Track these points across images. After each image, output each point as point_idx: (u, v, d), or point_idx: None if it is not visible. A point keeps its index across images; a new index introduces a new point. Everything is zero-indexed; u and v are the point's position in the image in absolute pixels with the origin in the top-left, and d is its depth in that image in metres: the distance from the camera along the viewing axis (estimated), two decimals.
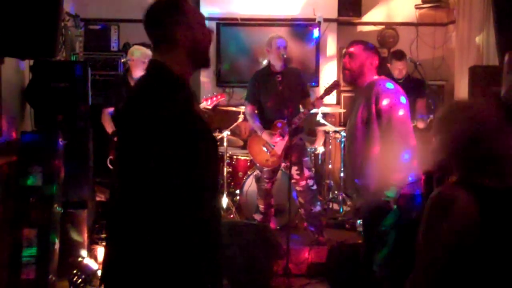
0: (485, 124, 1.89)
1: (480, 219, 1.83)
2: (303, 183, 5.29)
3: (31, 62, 4.84)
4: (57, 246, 4.53)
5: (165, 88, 1.96)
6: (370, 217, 3.60)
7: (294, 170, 5.26)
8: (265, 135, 5.24)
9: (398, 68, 5.86)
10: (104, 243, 5.01)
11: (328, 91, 5.20)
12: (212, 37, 2.12)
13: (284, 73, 5.20)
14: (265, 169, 5.35)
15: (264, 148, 5.30)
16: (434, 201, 1.92)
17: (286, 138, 5.04)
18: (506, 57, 4.01)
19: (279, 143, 5.16)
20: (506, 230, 1.87)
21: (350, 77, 3.69)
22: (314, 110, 5.41)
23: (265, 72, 5.38)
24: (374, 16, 7.48)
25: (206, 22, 2.23)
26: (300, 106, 5.33)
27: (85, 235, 4.83)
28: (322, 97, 5.18)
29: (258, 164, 5.40)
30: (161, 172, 1.87)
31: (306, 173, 5.29)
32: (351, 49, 3.68)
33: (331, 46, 7.22)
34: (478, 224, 1.83)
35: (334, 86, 5.23)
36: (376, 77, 3.65)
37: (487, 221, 1.84)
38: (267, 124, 5.31)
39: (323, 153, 6.59)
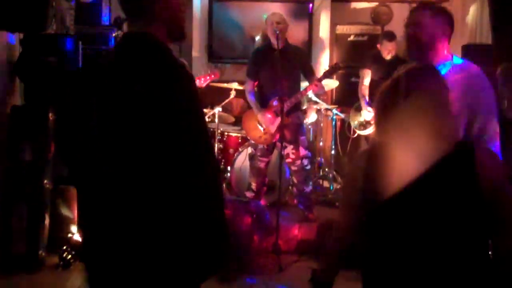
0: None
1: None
2: (298, 162, 5.29)
3: (21, 35, 4.78)
4: (47, 221, 4.54)
5: (162, 55, 1.87)
6: None
7: (290, 148, 5.26)
8: (260, 116, 5.23)
9: (388, 49, 5.88)
10: None
11: (327, 74, 5.18)
12: (186, 8, 2.04)
13: (284, 51, 5.16)
14: (259, 146, 5.35)
15: (259, 125, 5.28)
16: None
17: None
18: (499, 70, 3.94)
19: (274, 121, 5.14)
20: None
21: (418, 52, 2.82)
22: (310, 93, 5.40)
23: (265, 49, 5.34)
24: None
25: None
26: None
27: (75, 211, 4.83)
28: (320, 80, 5.16)
29: (251, 140, 5.39)
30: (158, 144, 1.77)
31: (302, 152, 5.29)
32: (417, 17, 2.83)
33: (324, 22, 7.17)
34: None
35: (335, 68, 5.20)
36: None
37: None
38: (264, 101, 5.29)
39: (315, 131, 6.59)
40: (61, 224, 4.73)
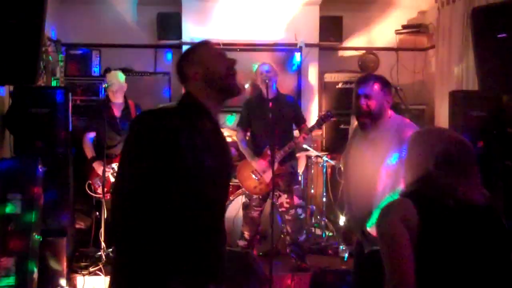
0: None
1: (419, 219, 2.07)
2: (292, 211, 5.26)
3: (11, 87, 4.79)
4: (35, 275, 4.44)
5: (183, 105, 2.41)
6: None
7: (284, 198, 5.24)
8: (254, 163, 5.22)
9: None
10: (83, 272, 4.94)
11: (321, 123, 5.22)
12: (234, 63, 2.44)
13: (276, 100, 5.20)
14: (254, 196, 5.32)
15: (253, 175, 5.27)
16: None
17: (276, 165, 5.01)
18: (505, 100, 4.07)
19: (268, 171, 5.12)
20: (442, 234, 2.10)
21: (371, 120, 3.31)
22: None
23: (257, 99, 5.37)
24: (355, 41, 7.56)
25: (188, 47, 2.54)
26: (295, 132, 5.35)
27: (64, 264, 4.75)
28: (313, 129, 5.25)
29: (246, 192, 5.36)
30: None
31: (296, 201, 5.27)
32: (368, 90, 3.31)
33: (312, 71, 7.26)
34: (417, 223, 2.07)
35: (327, 117, 5.23)
36: (392, 115, 3.41)
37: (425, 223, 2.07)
38: (257, 150, 5.29)
39: (306, 178, 6.58)
40: (49, 277, 4.64)
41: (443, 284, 2.07)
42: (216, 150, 2.38)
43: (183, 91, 2.45)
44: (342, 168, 6.31)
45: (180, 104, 2.42)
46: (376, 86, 3.30)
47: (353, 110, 3.43)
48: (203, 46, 2.48)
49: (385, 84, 3.35)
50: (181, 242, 2.24)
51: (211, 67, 2.40)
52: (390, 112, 3.37)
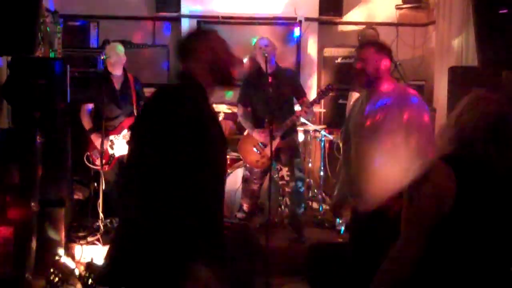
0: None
1: (456, 188, 2.03)
2: (292, 184, 5.29)
3: (9, 58, 4.77)
4: (34, 244, 4.48)
5: (185, 86, 2.41)
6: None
7: (285, 171, 5.26)
8: (255, 134, 5.23)
9: None
10: (81, 242, 4.99)
11: (322, 96, 5.21)
12: (240, 64, 2.62)
13: (275, 74, 5.19)
14: (255, 170, 5.34)
15: (255, 149, 5.28)
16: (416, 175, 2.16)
17: (277, 139, 5.02)
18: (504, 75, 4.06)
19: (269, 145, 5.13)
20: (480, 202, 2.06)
21: (367, 81, 3.38)
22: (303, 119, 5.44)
23: (256, 73, 5.36)
24: (355, 15, 7.50)
25: (187, 20, 2.53)
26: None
27: (63, 234, 4.79)
28: (315, 102, 5.22)
29: (248, 165, 5.38)
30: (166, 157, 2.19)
31: (297, 174, 5.29)
32: (362, 53, 3.40)
33: (312, 45, 7.23)
34: (453, 192, 2.03)
35: (328, 90, 5.22)
36: (395, 84, 3.43)
37: (462, 191, 2.03)
38: (258, 125, 5.30)
39: (303, 152, 6.59)
40: (48, 247, 4.68)
41: (475, 249, 2.08)
42: (218, 129, 2.48)
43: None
44: (340, 143, 6.35)
45: (184, 84, 2.44)
46: (371, 49, 3.38)
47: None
48: (215, 35, 2.54)
49: (380, 47, 3.41)
50: (204, 219, 2.27)
51: (220, 56, 2.47)
52: (392, 80, 3.40)
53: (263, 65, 5.13)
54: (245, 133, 5.60)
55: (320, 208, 6.31)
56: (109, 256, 2.36)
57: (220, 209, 2.50)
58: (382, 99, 3.31)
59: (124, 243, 2.29)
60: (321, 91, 5.24)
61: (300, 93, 5.37)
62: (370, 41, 3.66)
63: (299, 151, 5.51)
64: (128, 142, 4.89)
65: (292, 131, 5.34)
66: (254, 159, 5.29)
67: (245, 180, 5.45)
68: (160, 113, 2.26)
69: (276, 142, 5.06)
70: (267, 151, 5.17)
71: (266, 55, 5.05)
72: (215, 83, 2.48)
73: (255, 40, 5.44)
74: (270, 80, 5.07)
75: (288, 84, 5.29)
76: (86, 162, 5.43)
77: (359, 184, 3.33)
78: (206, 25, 6.93)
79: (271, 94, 4.97)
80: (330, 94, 5.49)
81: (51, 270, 4.49)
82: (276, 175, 5.42)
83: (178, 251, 2.18)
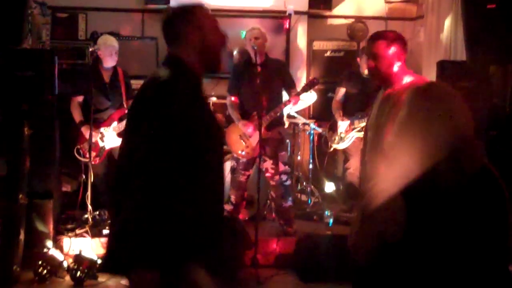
0: None
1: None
2: (277, 177, 5.28)
3: None
4: (22, 236, 4.47)
5: (181, 76, 2.25)
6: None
7: (269, 163, 5.25)
8: (241, 125, 5.22)
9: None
10: (69, 234, 4.97)
11: (307, 88, 5.20)
12: (227, 41, 2.39)
13: (265, 64, 5.18)
14: (241, 160, 5.34)
15: (241, 139, 5.28)
16: None
17: (263, 131, 5.02)
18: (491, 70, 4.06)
19: (255, 135, 5.12)
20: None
21: (382, 82, 3.20)
22: (292, 107, 5.43)
23: (246, 64, 5.35)
24: (344, 9, 7.50)
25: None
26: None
27: (51, 226, 4.77)
28: (299, 94, 5.18)
29: (234, 155, 5.38)
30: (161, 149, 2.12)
31: (281, 167, 5.28)
32: (373, 49, 3.15)
33: (301, 38, 7.23)
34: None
35: (313, 83, 5.22)
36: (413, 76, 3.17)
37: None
38: (246, 115, 5.28)
39: (292, 145, 6.61)
40: (36, 239, 4.67)
41: None
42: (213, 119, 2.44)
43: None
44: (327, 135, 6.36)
45: (178, 75, 2.26)
46: (381, 44, 3.12)
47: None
48: (202, 9, 2.37)
49: (392, 40, 3.13)
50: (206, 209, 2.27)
51: (209, 36, 2.32)
52: (407, 73, 3.16)
53: (253, 56, 5.13)
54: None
55: (309, 201, 6.33)
56: (112, 243, 2.32)
57: (221, 200, 2.48)
58: (397, 96, 3.02)
59: (127, 229, 2.20)
60: (306, 85, 5.24)
61: (289, 84, 5.37)
62: (379, 33, 3.25)
63: (284, 144, 5.50)
64: (122, 134, 4.97)
65: (278, 123, 5.33)
66: (239, 148, 5.28)
67: (232, 170, 5.44)
68: (158, 109, 2.15)
69: (258, 133, 5.06)
70: (253, 141, 5.16)
71: (255, 47, 5.05)
72: (202, 68, 2.35)
73: (244, 32, 5.43)
74: (259, 70, 5.07)
75: (277, 74, 5.28)
76: (77, 155, 5.40)
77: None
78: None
79: (260, 84, 4.95)
80: (316, 87, 5.47)
81: (39, 262, 4.47)
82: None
83: (180, 242, 2.15)
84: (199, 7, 2.38)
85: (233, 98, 5.37)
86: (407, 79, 3.13)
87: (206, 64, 2.35)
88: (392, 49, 3.11)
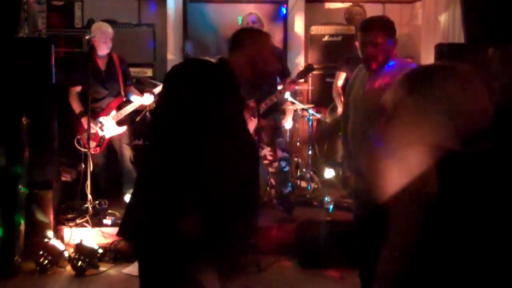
0: None
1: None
2: (275, 164, 5.27)
3: None
4: (22, 227, 4.47)
5: (210, 68, 2.47)
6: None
7: (267, 151, 5.24)
8: None
9: None
10: (70, 224, 4.97)
11: (301, 75, 5.17)
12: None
13: None
14: None
15: None
16: None
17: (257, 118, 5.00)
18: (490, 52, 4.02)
19: (250, 124, 5.10)
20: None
21: (377, 67, 3.24)
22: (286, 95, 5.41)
23: None
24: None
25: None
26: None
27: (51, 216, 4.77)
28: (294, 81, 5.15)
29: None
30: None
31: (279, 154, 5.27)
32: (374, 38, 3.21)
33: (298, 23, 7.19)
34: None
35: (308, 70, 5.19)
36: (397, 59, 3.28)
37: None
38: None
39: (291, 131, 6.59)
40: (36, 230, 4.67)
41: None
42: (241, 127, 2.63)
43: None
44: (327, 120, 6.36)
45: (217, 65, 2.51)
46: (383, 33, 3.22)
47: (361, 57, 3.32)
48: (267, 36, 2.67)
49: (389, 29, 3.27)
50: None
51: (264, 59, 2.57)
52: (394, 56, 3.28)
53: None
54: None
55: (309, 187, 6.32)
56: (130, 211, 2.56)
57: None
58: (383, 77, 3.18)
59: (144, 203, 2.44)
60: (301, 71, 5.20)
61: (284, 73, 5.35)
62: (378, 22, 3.33)
63: (280, 130, 5.48)
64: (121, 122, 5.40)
65: (273, 110, 5.30)
66: None
67: None
68: (187, 79, 2.39)
69: (256, 122, 5.04)
70: (249, 127, 5.13)
71: None
72: (249, 79, 2.56)
73: (241, 18, 5.39)
74: None
75: None
76: (77, 145, 5.37)
77: (357, 160, 3.30)
78: (193, 5, 6.87)
79: None
80: (314, 72, 5.45)
81: (40, 252, 4.48)
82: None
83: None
84: (266, 34, 2.69)
85: None
86: (393, 61, 3.26)
87: (252, 78, 2.56)
88: (391, 38, 3.24)
